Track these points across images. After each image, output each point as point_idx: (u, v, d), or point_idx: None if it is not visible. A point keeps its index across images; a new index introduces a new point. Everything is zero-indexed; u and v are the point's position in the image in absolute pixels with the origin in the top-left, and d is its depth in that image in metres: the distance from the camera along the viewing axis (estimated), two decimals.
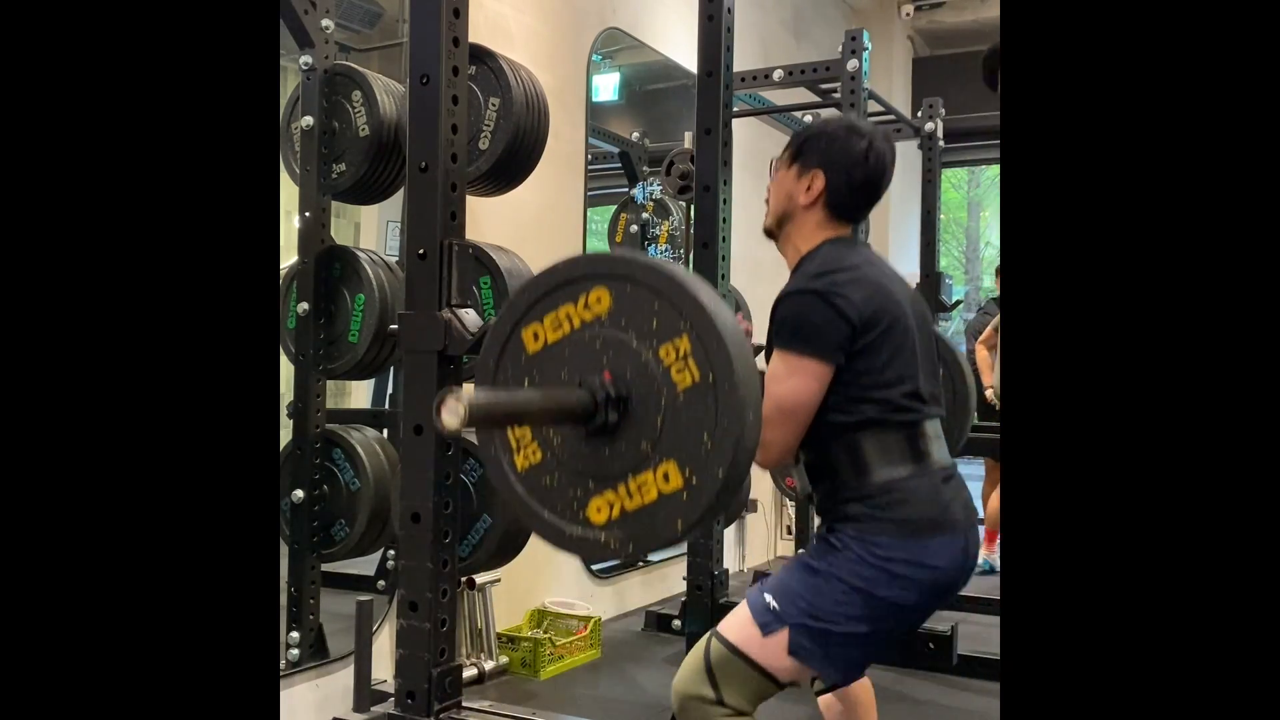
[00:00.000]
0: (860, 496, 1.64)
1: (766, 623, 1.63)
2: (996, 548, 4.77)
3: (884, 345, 1.65)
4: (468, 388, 1.28)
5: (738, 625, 1.67)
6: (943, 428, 1.76)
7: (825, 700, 1.97)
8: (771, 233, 1.86)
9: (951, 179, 12.87)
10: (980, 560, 2.90)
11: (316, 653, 2.71)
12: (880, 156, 1.76)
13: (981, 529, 4.20)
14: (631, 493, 1.36)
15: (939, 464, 1.69)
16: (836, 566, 1.61)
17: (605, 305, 1.38)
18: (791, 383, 1.63)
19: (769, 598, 1.64)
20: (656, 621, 3.79)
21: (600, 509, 1.39)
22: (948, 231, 13.91)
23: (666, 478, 1.33)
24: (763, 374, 1.66)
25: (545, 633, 3.45)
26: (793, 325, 1.65)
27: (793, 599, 1.63)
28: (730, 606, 2.58)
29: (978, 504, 2.09)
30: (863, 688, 1.95)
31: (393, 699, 1.79)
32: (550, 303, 1.42)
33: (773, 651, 1.62)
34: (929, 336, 1.80)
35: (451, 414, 1.18)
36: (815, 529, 1.80)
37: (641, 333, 1.35)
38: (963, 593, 3.93)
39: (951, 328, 10.86)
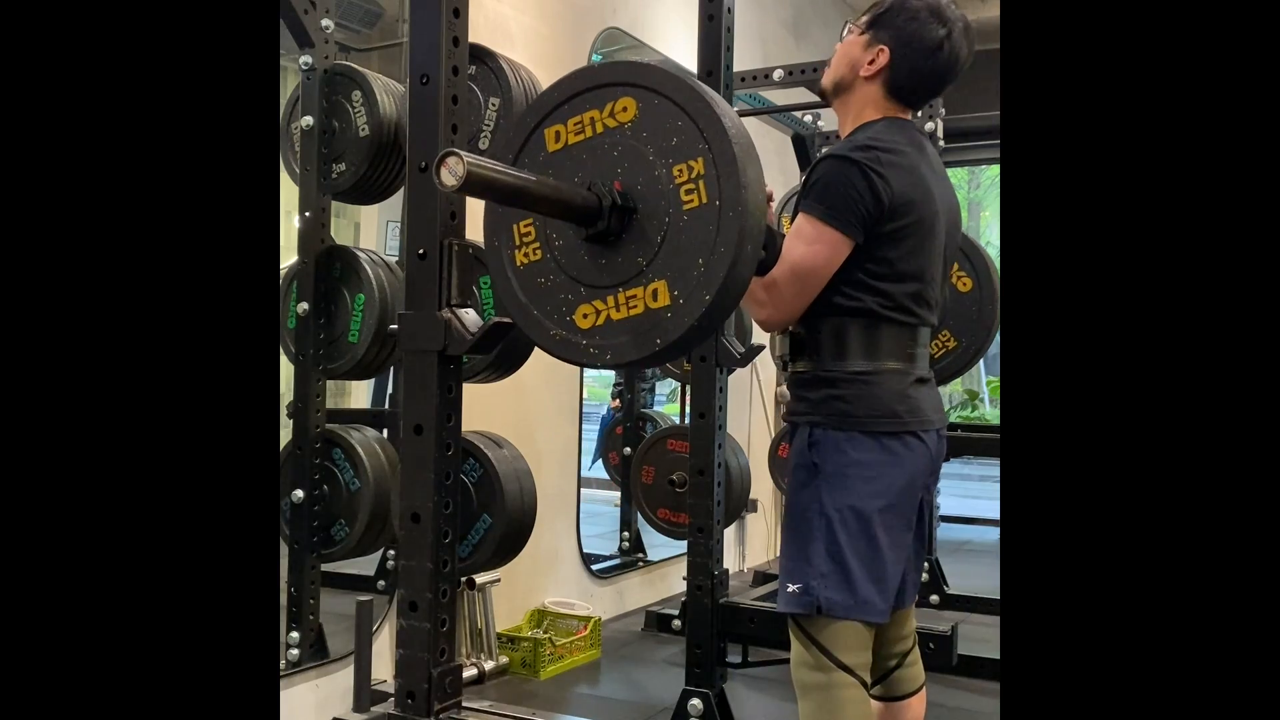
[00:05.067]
0: (832, 380, 1.63)
1: (805, 605, 1.62)
2: None
3: (906, 238, 1.62)
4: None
5: (795, 631, 1.67)
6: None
7: (876, 707, 1.91)
8: (825, 95, 1.80)
9: (951, 179, 12.85)
10: None
11: (316, 653, 2.70)
12: (955, 51, 1.68)
13: None
14: (619, 304, 1.38)
15: (917, 369, 1.68)
16: (814, 498, 1.61)
17: (630, 115, 1.39)
18: (810, 249, 1.59)
19: (790, 587, 1.64)
20: (656, 621, 3.79)
21: (587, 315, 1.41)
22: None
23: (655, 295, 1.35)
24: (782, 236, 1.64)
25: (545, 633, 3.45)
26: (823, 188, 1.60)
27: (801, 571, 1.62)
28: (730, 606, 2.59)
29: None
30: (914, 709, 1.88)
31: (393, 699, 1.78)
32: (577, 105, 1.42)
33: (825, 626, 1.61)
34: (953, 245, 1.76)
35: (450, 174, 1.14)
36: (784, 413, 1.77)
37: (660, 148, 1.36)
38: (962, 593, 3.91)
39: None
